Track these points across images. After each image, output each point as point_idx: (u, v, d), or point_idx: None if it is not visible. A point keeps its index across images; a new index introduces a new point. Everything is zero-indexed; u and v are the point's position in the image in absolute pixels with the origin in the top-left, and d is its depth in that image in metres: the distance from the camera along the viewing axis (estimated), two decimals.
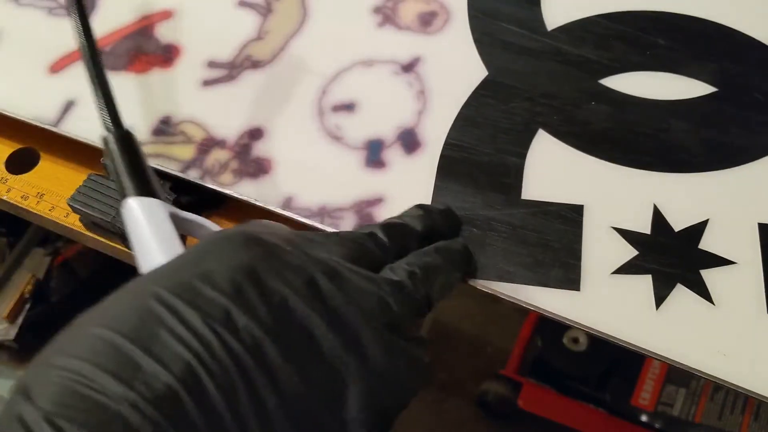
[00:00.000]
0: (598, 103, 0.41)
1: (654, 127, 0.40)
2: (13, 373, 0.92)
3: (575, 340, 0.92)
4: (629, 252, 0.35)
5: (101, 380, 0.20)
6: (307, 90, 0.43)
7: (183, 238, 0.39)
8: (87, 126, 0.42)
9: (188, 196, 0.39)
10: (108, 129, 0.35)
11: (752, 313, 0.33)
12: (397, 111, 0.41)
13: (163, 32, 0.46)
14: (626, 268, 0.35)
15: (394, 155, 0.39)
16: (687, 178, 0.38)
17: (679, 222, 0.36)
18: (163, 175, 0.39)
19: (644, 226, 0.36)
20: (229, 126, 0.41)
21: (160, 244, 0.30)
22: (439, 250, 0.31)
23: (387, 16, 0.46)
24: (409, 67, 0.43)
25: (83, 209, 0.38)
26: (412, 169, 0.39)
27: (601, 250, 0.35)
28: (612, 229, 0.36)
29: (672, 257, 0.35)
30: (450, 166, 0.39)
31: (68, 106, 0.43)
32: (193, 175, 0.39)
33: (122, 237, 0.39)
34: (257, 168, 0.39)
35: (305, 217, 0.37)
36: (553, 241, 0.36)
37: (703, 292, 0.34)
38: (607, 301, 0.34)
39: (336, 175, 0.39)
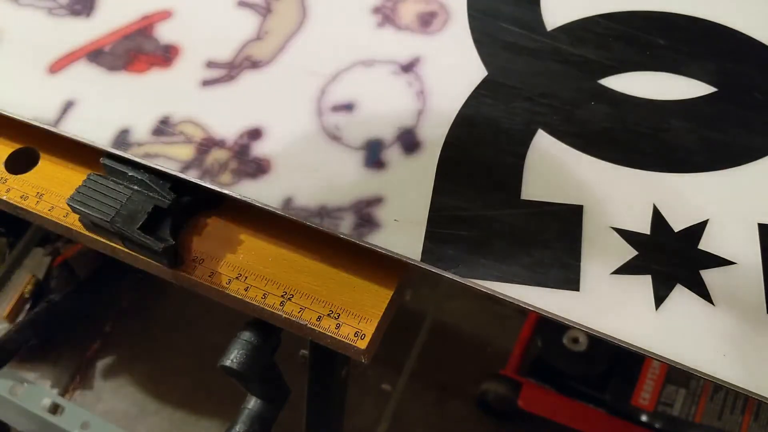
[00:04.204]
0: (597, 103, 0.40)
1: (654, 127, 0.39)
2: (13, 373, 0.92)
3: (575, 340, 0.92)
4: (629, 252, 0.35)
5: None
6: (306, 90, 0.43)
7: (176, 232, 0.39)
8: (86, 126, 0.42)
9: (187, 196, 0.39)
10: None
11: (752, 313, 0.33)
12: (396, 111, 0.41)
13: (163, 32, 0.46)
14: (626, 269, 0.35)
15: (393, 155, 0.39)
16: (687, 178, 0.38)
17: (678, 222, 0.36)
18: (162, 175, 0.39)
19: (644, 227, 0.36)
20: (228, 126, 0.41)
21: None
22: None
23: (386, 16, 0.46)
24: (408, 67, 0.43)
25: (83, 209, 0.38)
26: (411, 169, 0.39)
27: (601, 250, 0.35)
28: (611, 230, 0.36)
29: (672, 257, 0.35)
30: (449, 166, 0.38)
31: (68, 106, 0.43)
32: (192, 175, 0.39)
33: (122, 237, 0.39)
34: (256, 168, 0.39)
35: (304, 217, 0.37)
36: (553, 241, 0.36)
37: (703, 292, 0.34)
38: (607, 301, 0.34)
39: (335, 175, 0.39)
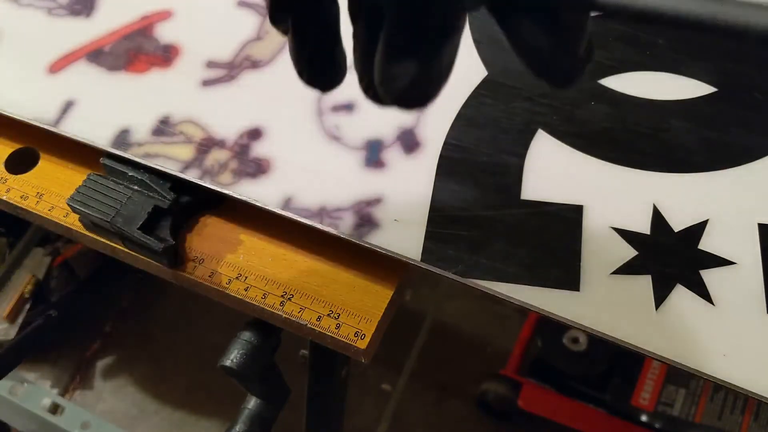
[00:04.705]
0: (597, 103, 0.40)
1: (654, 127, 0.39)
2: (14, 373, 0.92)
3: (575, 340, 0.92)
4: (629, 252, 0.35)
5: None
6: (306, 90, 0.42)
7: (176, 231, 0.39)
8: (86, 126, 0.42)
9: (187, 196, 0.39)
10: None
11: (752, 313, 0.33)
12: (396, 111, 0.41)
13: (163, 32, 0.46)
14: (626, 268, 0.35)
15: (393, 155, 0.39)
16: (687, 178, 0.38)
17: (679, 222, 0.36)
18: (162, 175, 0.39)
19: (644, 226, 0.36)
20: (228, 126, 0.41)
21: None
22: None
23: None
24: None
25: (83, 209, 0.38)
26: (411, 169, 0.39)
27: (601, 250, 0.35)
28: (612, 229, 0.36)
29: (672, 257, 0.35)
30: (449, 167, 0.38)
31: (68, 106, 0.43)
32: (192, 175, 0.39)
33: (122, 237, 0.39)
34: (256, 168, 0.39)
35: (304, 217, 0.37)
36: (553, 241, 0.36)
37: (703, 292, 0.34)
38: (606, 301, 0.34)
39: (335, 175, 0.39)
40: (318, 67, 0.23)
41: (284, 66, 0.44)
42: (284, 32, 0.23)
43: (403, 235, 0.36)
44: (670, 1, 0.19)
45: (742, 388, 0.31)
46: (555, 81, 0.22)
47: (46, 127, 0.42)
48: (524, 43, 0.20)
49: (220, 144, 0.40)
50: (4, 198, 0.42)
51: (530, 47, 0.20)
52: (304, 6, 0.22)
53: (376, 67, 0.21)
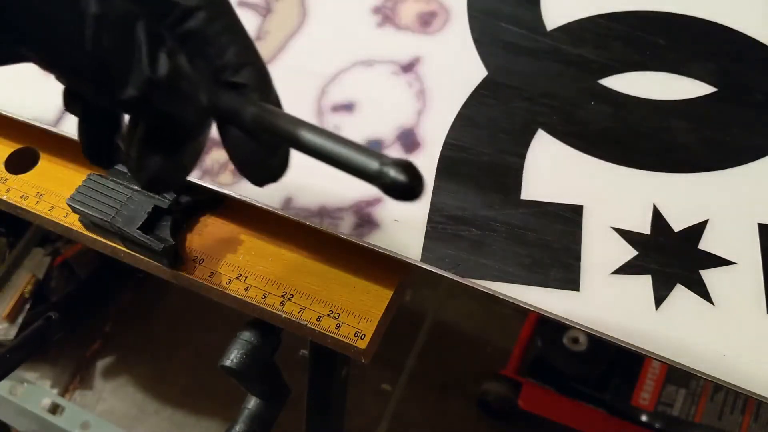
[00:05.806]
0: (598, 103, 0.40)
1: (654, 127, 0.39)
2: (14, 373, 0.92)
3: (575, 340, 0.92)
4: (629, 252, 0.35)
5: None
6: (306, 90, 0.43)
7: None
8: None
9: (187, 196, 0.39)
10: None
11: (752, 313, 0.33)
12: (396, 111, 0.41)
13: None
14: (626, 268, 0.35)
15: (393, 155, 0.39)
16: (687, 178, 0.38)
17: (678, 222, 0.36)
18: None
19: (644, 226, 0.36)
20: None
21: None
22: None
23: (386, 16, 0.46)
24: (408, 67, 0.43)
25: (82, 209, 0.38)
26: None
27: (601, 250, 0.35)
28: (611, 229, 0.36)
29: (672, 257, 0.35)
30: (449, 166, 0.38)
31: None
32: (192, 175, 0.39)
33: (122, 237, 0.39)
34: None
35: (305, 217, 0.37)
36: (553, 241, 0.36)
37: (703, 292, 0.34)
38: (607, 301, 0.34)
39: (335, 175, 0.39)
40: (98, 152, 0.28)
41: (284, 66, 0.44)
42: (78, 115, 0.28)
43: (403, 235, 0.36)
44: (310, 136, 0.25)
45: (742, 388, 0.31)
46: (253, 180, 0.29)
47: (46, 127, 0.42)
48: (233, 149, 0.28)
49: (220, 144, 0.40)
50: (4, 198, 0.42)
51: (237, 153, 0.28)
52: (88, 104, 0.27)
53: (130, 158, 0.27)
